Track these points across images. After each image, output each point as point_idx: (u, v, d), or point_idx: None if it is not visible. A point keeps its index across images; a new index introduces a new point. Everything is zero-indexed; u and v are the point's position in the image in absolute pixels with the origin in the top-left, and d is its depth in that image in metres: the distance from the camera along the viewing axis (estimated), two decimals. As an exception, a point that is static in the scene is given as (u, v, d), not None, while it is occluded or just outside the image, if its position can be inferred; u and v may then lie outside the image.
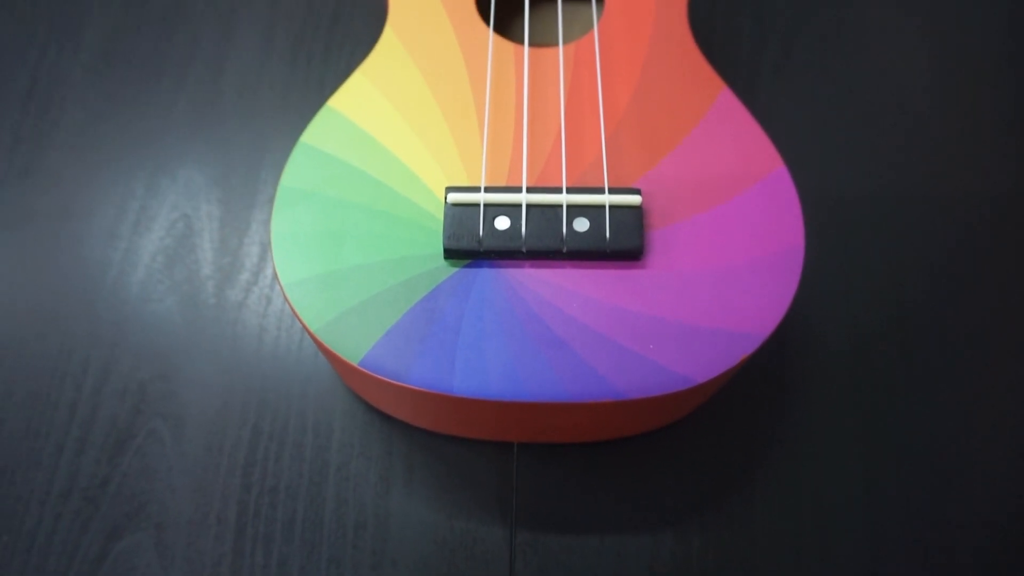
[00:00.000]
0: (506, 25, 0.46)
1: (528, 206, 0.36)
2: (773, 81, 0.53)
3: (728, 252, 0.36)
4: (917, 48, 0.54)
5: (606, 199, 0.36)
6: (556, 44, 0.44)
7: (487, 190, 0.36)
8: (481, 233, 0.35)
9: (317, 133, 0.38)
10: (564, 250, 0.35)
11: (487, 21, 0.42)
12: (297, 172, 0.38)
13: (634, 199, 0.36)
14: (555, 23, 0.46)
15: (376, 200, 0.37)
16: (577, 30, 0.47)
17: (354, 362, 0.34)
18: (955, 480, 0.42)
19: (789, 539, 0.41)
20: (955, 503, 0.42)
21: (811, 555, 0.41)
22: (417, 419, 0.39)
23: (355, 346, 0.34)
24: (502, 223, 0.36)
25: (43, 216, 0.49)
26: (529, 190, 0.36)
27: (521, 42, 0.42)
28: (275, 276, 0.39)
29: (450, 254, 0.35)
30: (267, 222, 0.48)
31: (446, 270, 0.36)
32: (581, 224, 0.36)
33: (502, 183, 0.37)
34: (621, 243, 0.35)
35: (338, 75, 0.53)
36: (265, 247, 0.47)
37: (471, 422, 0.37)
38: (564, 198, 0.36)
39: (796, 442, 0.43)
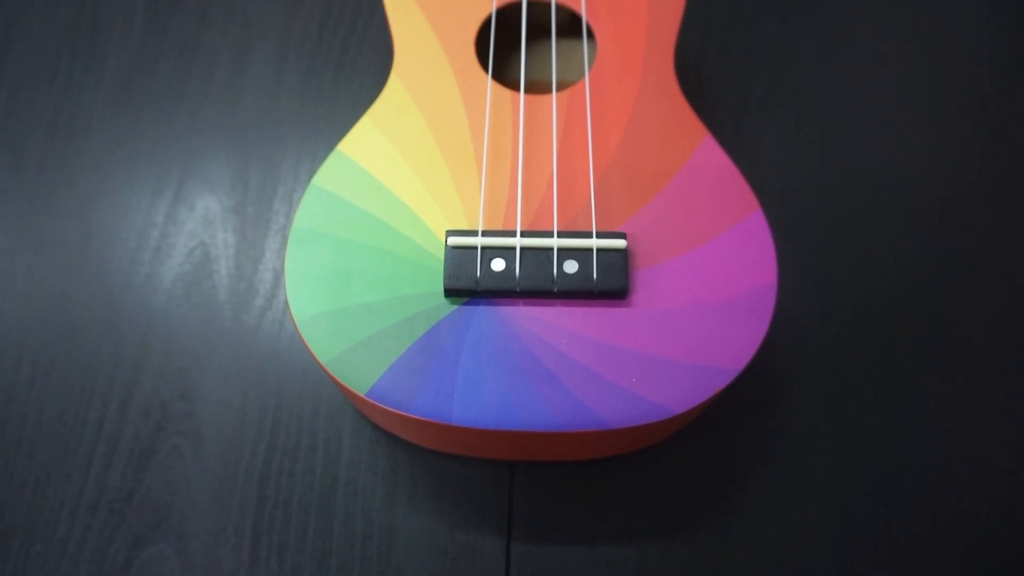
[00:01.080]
0: (504, 61, 0.49)
1: (522, 249, 0.39)
2: (761, 108, 0.56)
3: (706, 291, 0.39)
4: (896, 79, 0.57)
5: (594, 243, 0.39)
6: (551, 85, 0.47)
7: (484, 234, 0.39)
8: (478, 274, 0.38)
9: (328, 176, 0.42)
10: (555, 290, 0.38)
11: (486, 68, 0.45)
12: (309, 213, 0.41)
13: (619, 243, 0.39)
14: (550, 60, 0.49)
15: (382, 241, 0.40)
16: (572, 66, 0.50)
17: (361, 393, 0.37)
18: (926, 499, 0.45)
19: (765, 551, 0.44)
20: (926, 521, 0.45)
21: (785, 566, 0.44)
22: (419, 440, 0.42)
23: (362, 378, 0.37)
24: (498, 265, 0.39)
25: (68, 241, 0.52)
26: (523, 234, 0.39)
27: (518, 79, 0.45)
28: (288, 308, 0.42)
29: (450, 293, 0.39)
30: (279, 250, 0.51)
31: (446, 307, 0.39)
32: (571, 266, 0.39)
33: (499, 225, 0.40)
34: (607, 284, 0.38)
35: (347, 107, 0.56)
36: (278, 274, 0.51)
37: (469, 445, 0.40)
38: (555, 242, 0.39)
39: (772, 462, 0.46)
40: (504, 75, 0.49)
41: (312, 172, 0.54)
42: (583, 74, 0.48)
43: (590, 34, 0.46)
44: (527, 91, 0.45)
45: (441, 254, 0.40)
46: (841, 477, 0.46)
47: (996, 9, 0.60)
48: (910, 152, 0.55)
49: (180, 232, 0.52)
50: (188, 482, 0.46)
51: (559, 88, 0.46)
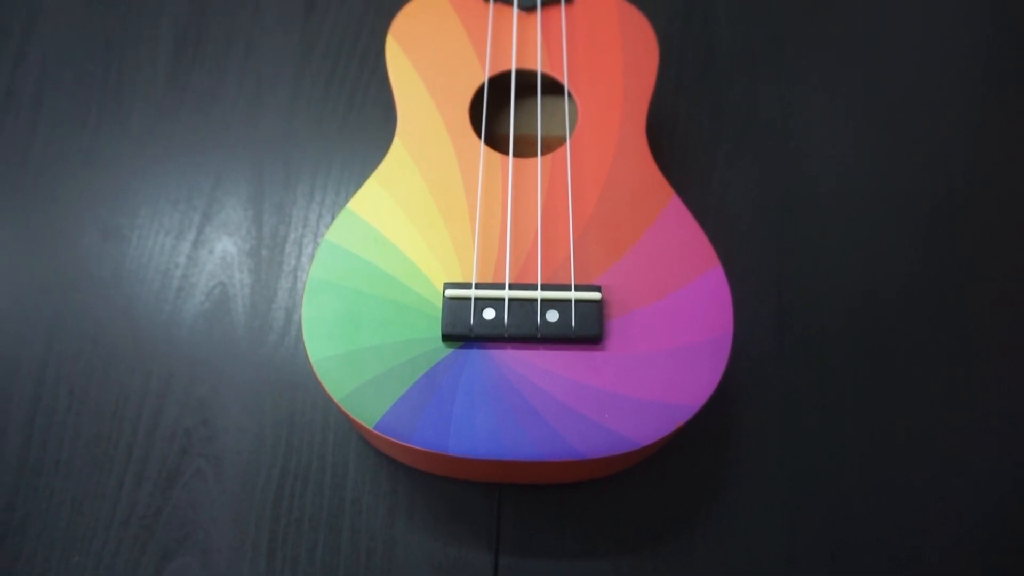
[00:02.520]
0: (496, 114, 0.54)
1: (510, 300, 0.45)
2: (727, 166, 0.61)
3: (670, 337, 0.45)
4: (850, 134, 0.63)
5: (572, 295, 0.44)
6: (538, 141, 0.52)
7: (477, 286, 0.45)
8: (472, 322, 0.44)
9: (339, 232, 0.47)
10: (538, 336, 0.44)
11: (479, 134, 0.51)
12: (323, 266, 0.46)
13: (595, 295, 0.45)
14: (537, 117, 0.55)
15: (387, 291, 0.45)
16: (556, 120, 0.55)
17: (370, 426, 0.42)
18: (871, 520, 0.51)
19: (724, 564, 0.50)
20: (872, 540, 0.51)
21: (741, 578, 0.50)
22: (418, 466, 0.48)
23: (371, 413, 0.43)
24: (489, 314, 0.44)
25: (101, 281, 0.57)
26: (511, 286, 0.45)
27: (509, 135, 0.51)
28: (304, 349, 0.47)
29: (447, 338, 0.44)
30: (291, 290, 0.56)
31: (444, 351, 0.44)
32: (552, 315, 0.44)
33: (490, 276, 0.46)
34: (584, 331, 0.44)
35: (352, 157, 0.61)
36: (289, 312, 0.56)
37: (462, 470, 0.46)
38: (539, 294, 0.45)
39: (732, 487, 0.52)
40: (496, 128, 0.55)
41: (320, 217, 0.59)
42: (565, 126, 0.53)
43: (572, 96, 0.52)
44: (516, 145, 0.51)
45: (439, 302, 0.45)
46: (793, 500, 0.51)
47: (950, 63, 0.66)
48: (862, 203, 0.61)
49: (201, 273, 0.57)
50: (210, 501, 0.51)
51: (544, 143, 0.51)
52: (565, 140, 0.51)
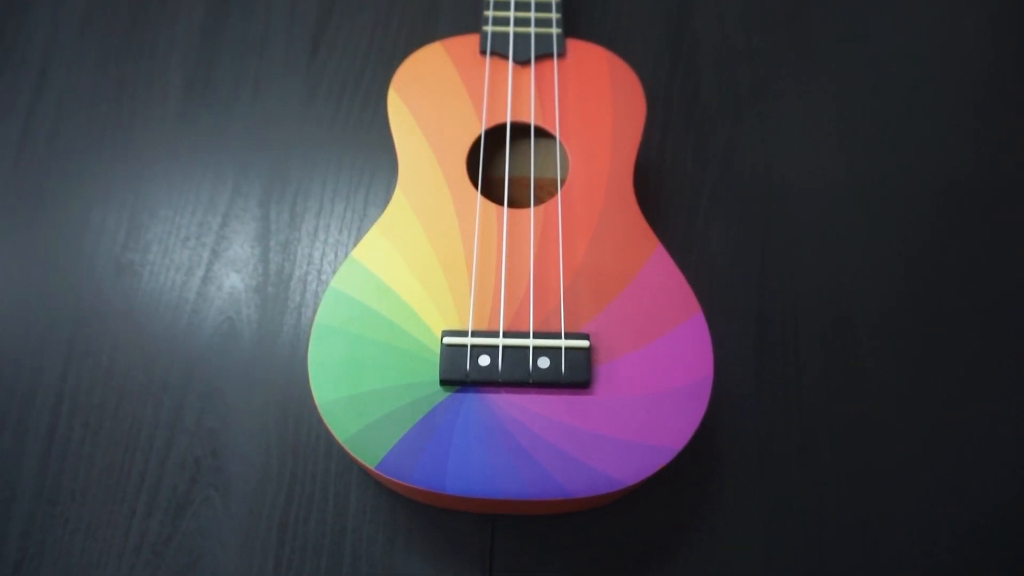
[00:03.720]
0: (492, 156, 0.57)
1: (503, 348, 0.47)
2: (711, 205, 0.64)
3: (654, 382, 0.48)
4: (826, 181, 0.66)
5: (562, 343, 0.47)
6: (531, 181, 0.55)
7: (473, 334, 0.48)
8: (468, 368, 0.47)
9: (343, 279, 0.50)
10: (530, 381, 0.47)
11: (476, 183, 0.54)
12: (328, 312, 0.49)
13: (583, 343, 0.48)
14: (531, 157, 0.58)
15: (389, 337, 0.48)
16: (549, 162, 0.58)
17: (372, 466, 0.45)
18: (845, 547, 0.54)
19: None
20: (844, 566, 0.54)
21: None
22: (416, 499, 0.51)
23: (373, 453, 0.46)
24: (484, 360, 0.47)
25: (113, 315, 0.60)
26: (505, 334, 0.48)
27: (505, 178, 0.54)
28: (310, 387, 0.50)
29: (444, 383, 0.47)
30: (295, 326, 0.59)
31: (441, 394, 0.47)
32: (543, 362, 0.47)
33: (485, 323, 0.49)
34: (573, 377, 0.47)
35: (352, 196, 0.64)
36: (294, 347, 0.59)
37: (459, 504, 0.49)
38: (531, 342, 0.48)
39: (711, 519, 0.55)
40: (493, 171, 0.58)
41: (323, 256, 0.62)
42: (556, 172, 0.56)
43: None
44: (512, 186, 0.54)
45: (437, 348, 0.48)
46: (770, 531, 0.54)
47: (935, 102, 0.69)
48: (838, 243, 0.64)
49: (210, 308, 0.60)
50: (218, 528, 0.54)
51: (537, 183, 0.55)
52: (557, 180, 0.54)
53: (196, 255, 0.62)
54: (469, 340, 0.48)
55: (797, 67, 0.70)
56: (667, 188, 0.65)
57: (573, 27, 0.71)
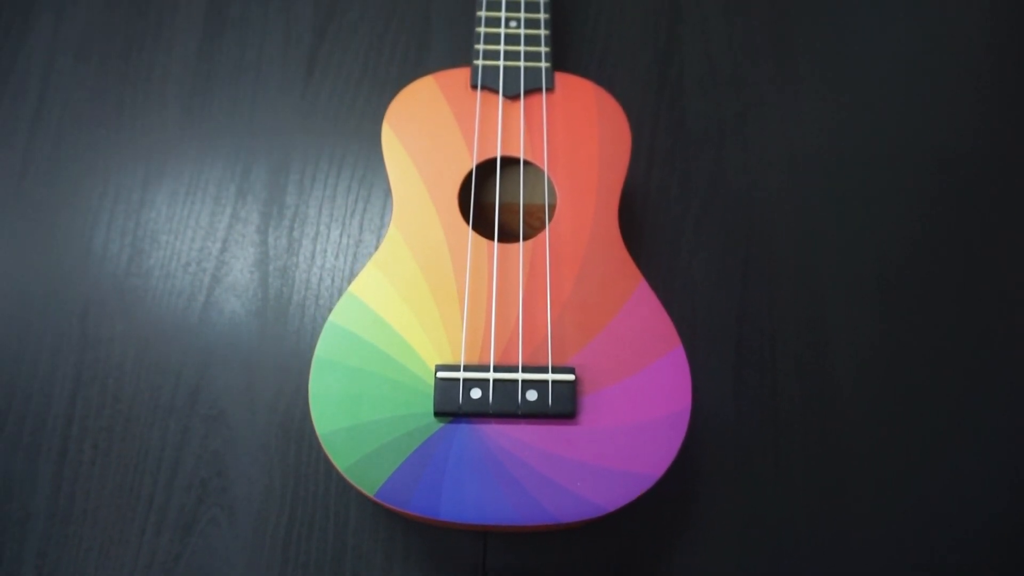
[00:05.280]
0: (483, 183, 0.60)
1: (494, 381, 0.50)
2: (694, 232, 0.67)
3: (635, 412, 0.50)
4: (805, 212, 0.69)
5: (549, 377, 0.50)
6: (521, 208, 0.58)
7: (465, 368, 0.50)
8: (460, 401, 0.50)
9: (341, 314, 0.52)
10: (519, 413, 0.50)
11: (467, 216, 0.56)
12: (327, 346, 0.51)
13: (569, 377, 0.50)
14: (518, 183, 0.60)
15: (385, 370, 0.51)
16: (539, 189, 0.61)
17: (370, 494, 0.48)
18: (816, 561, 0.58)
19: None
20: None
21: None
22: (412, 519, 0.53)
23: (371, 482, 0.48)
24: (475, 393, 0.50)
25: (118, 339, 0.62)
26: (495, 368, 0.51)
27: (496, 203, 0.56)
28: (311, 417, 0.53)
29: (439, 415, 0.50)
30: (295, 351, 0.62)
31: (435, 425, 0.50)
32: (532, 395, 0.50)
33: (476, 356, 0.51)
34: (559, 408, 0.50)
35: (351, 224, 0.66)
36: (294, 374, 0.61)
37: (452, 525, 0.52)
38: (520, 376, 0.50)
39: (691, 533, 0.58)
40: (484, 196, 0.60)
41: (320, 280, 0.64)
42: (544, 199, 0.59)
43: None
44: (502, 213, 0.56)
45: (431, 380, 0.51)
46: (746, 544, 0.58)
47: (919, 130, 0.72)
48: (813, 274, 0.66)
49: (211, 333, 0.62)
50: (225, 546, 0.57)
51: (527, 210, 0.57)
52: (546, 218, 0.56)
53: (197, 280, 0.64)
54: (461, 375, 0.50)
55: (781, 94, 0.72)
56: (652, 214, 0.67)
57: (561, 53, 0.72)
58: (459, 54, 0.72)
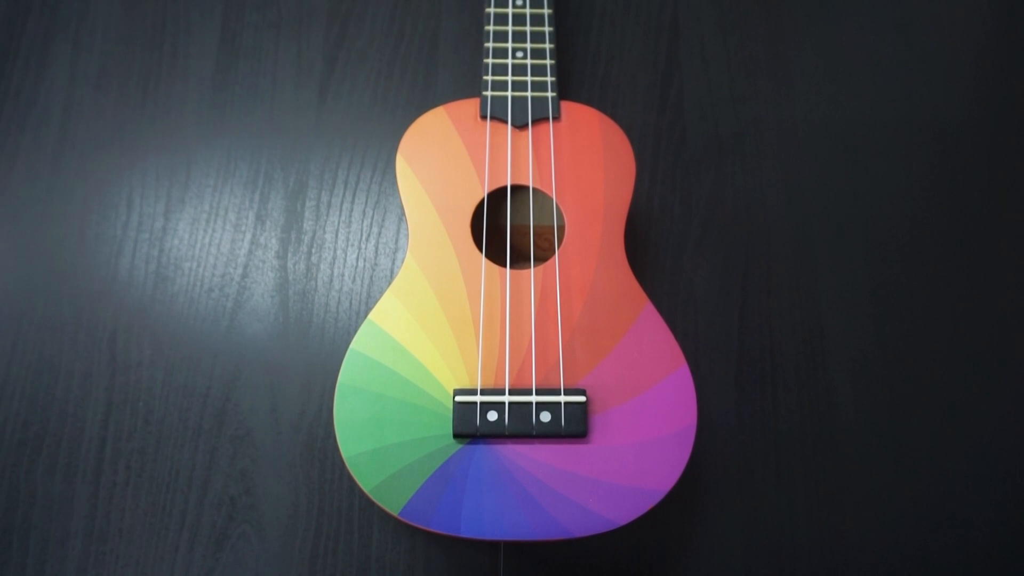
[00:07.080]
0: (494, 208, 0.62)
1: (509, 404, 0.53)
2: (696, 249, 0.69)
3: (644, 430, 0.53)
4: (799, 226, 0.71)
5: (562, 399, 0.53)
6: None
7: (482, 392, 0.53)
8: (478, 423, 0.52)
9: (362, 342, 0.55)
10: (534, 433, 0.53)
11: (480, 244, 0.59)
12: (350, 372, 0.54)
13: (580, 398, 0.53)
14: (528, 205, 0.63)
15: (406, 394, 0.54)
16: (547, 210, 0.63)
17: (395, 513, 0.51)
18: (816, 563, 0.61)
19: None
20: (807, 577, 0.61)
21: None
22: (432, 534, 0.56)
23: (396, 502, 0.51)
24: (492, 415, 0.53)
25: (147, 363, 0.65)
26: (510, 391, 0.53)
27: (508, 226, 0.59)
28: (337, 445, 0.56)
29: (457, 436, 0.53)
30: (318, 374, 0.64)
31: (455, 446, 0.53)
32: (545, 416, 0.53)
33: (491, 379, 0.54)
34: (572, 429, 0.53)
35: (367, 247, 0.69)
36: (316, 395, 0.64)
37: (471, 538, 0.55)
38: (534, 398, 0.53)
39: (697, 538, 0.61)
40: (496, 219, 0.63)
41: (339, 303, 0.67)
42: (553, 219, 0.61)
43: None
44: (513, 235, 0.58)
45: (450, 404, 0.53)
46: (748, 550, 0.61)
47: (911, 142, 0.74)
48: (811, 289, 0.69)
49: (236, 356, 0.65)
50: (255, 561, 0.60)
51: (536, 231, 0.60)
52: (555, 243, 0.59)
53: (220, 306, 0.67)
54: (479, 398, 0.53)
55: (778, 112, 0.75)
56: (655, 233, 0.70)
57: (564, 76, 0.75)
58: (467, 76, 0.74)
